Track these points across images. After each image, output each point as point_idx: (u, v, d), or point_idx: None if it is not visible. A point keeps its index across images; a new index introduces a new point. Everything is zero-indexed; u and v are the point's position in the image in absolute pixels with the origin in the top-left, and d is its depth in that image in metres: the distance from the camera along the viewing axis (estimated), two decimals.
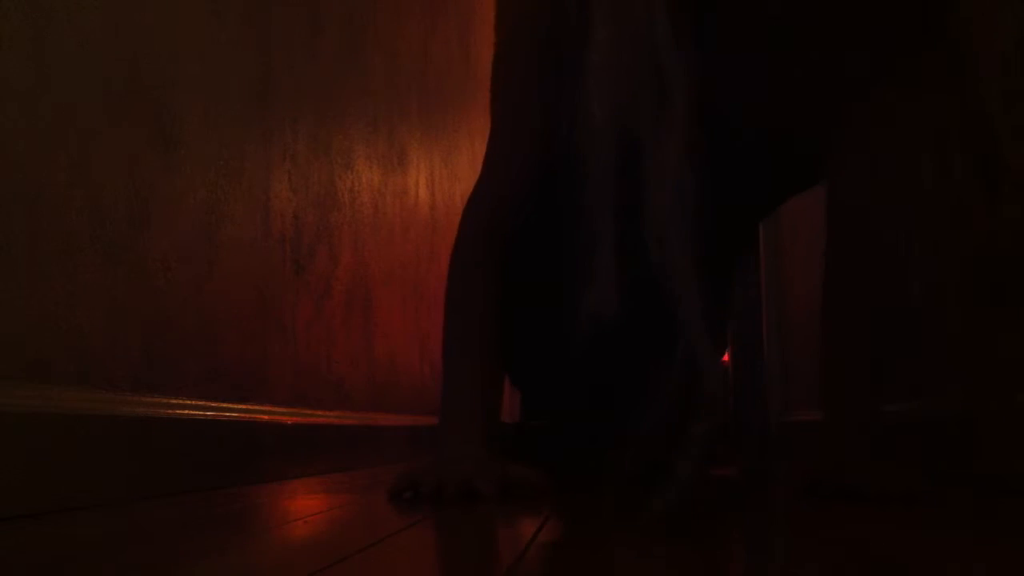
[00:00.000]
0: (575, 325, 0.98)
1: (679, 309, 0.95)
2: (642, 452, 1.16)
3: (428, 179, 2.39)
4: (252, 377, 1.30)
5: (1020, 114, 1.08)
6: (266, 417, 1.31)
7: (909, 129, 1.09)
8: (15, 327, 0.83)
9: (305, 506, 0.91)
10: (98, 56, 0.95)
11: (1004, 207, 1.11)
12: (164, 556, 0.56)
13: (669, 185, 0.95)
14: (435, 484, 0.93)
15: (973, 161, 1.19)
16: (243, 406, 1.25)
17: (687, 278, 0.94)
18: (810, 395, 1.99)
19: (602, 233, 0.98)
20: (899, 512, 0.78)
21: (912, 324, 1.35)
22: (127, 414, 0.97)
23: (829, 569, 0.50)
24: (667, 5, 0.96)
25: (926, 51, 1.05)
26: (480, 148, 3.07)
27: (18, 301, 0.83)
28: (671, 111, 0.96)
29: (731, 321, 2.76)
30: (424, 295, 2.31)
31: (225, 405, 1.20)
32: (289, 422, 1.38)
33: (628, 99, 0.97)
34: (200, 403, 1.14)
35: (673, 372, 1.00)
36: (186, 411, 1.09)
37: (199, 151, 1.16)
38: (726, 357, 3.23)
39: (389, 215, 2.01)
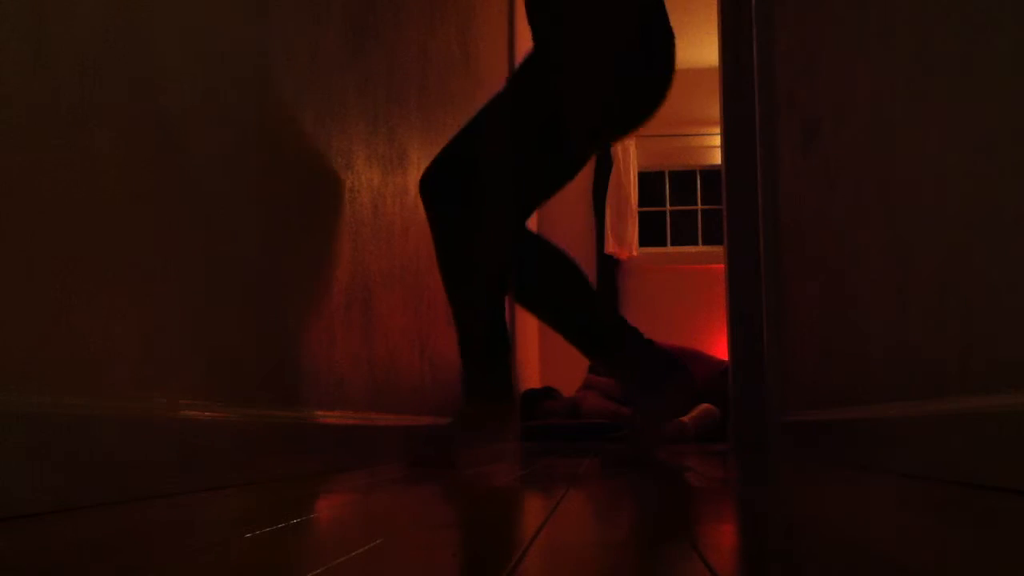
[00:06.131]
0: None
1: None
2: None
3: None
4: (251, 377, 1.30)
5: None
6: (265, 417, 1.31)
7: None
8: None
9: (306, 506, 0.91)
10: (98, 56, 0.95)
11: None
12: (163, 557, 0.56)
13: None
14: None
15: None
16: (243, 406, 1.25)
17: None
18: (810, 395, 2.00)
19: None
20: (900, 511, 0.78)
21: None
22: (127, 414, 0.96)
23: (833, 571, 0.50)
24: None
25: None
26: None
27: (16, 306, 0.83)
28: None
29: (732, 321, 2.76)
30: (424, 295, 2.31)
31: (225, 405, 1.20)
32: (290, 422, 1.38)
33: None
34: (200, 403, 1.14)
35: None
36: (187, 411, 1.09)
37: (199, 151, 1.16)
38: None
39: (389, 215, 2.01)
